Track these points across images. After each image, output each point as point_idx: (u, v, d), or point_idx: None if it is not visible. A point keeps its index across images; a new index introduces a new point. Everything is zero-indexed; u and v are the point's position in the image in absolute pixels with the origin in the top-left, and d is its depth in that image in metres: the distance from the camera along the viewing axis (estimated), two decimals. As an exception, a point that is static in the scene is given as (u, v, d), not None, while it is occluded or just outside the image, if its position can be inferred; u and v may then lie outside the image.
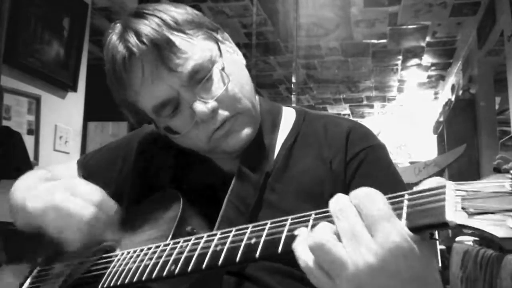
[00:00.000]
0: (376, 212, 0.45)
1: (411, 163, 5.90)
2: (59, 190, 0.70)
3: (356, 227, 0.45)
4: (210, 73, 0.74)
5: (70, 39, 2.80)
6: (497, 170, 2.73)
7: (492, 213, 0.42)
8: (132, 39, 0.71)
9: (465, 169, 4.48)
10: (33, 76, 2.54)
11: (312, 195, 0.76)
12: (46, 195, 0.71)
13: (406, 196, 0.47)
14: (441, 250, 4.14)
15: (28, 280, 0.82)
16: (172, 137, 0.79)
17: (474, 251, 2.55)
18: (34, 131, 2.56)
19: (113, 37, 0.75)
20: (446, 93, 6.28)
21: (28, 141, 2.46)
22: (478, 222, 0.42)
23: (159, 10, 0.74)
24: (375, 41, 4.89)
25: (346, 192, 0.75)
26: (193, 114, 0.74)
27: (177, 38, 0.72)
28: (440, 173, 4.72)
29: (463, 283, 2.65)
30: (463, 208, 0.44)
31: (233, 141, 0.77)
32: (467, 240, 3.08)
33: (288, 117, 0.88)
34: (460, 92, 5.14)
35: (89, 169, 0.95)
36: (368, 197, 0.46)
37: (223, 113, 0.75)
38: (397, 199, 0.47)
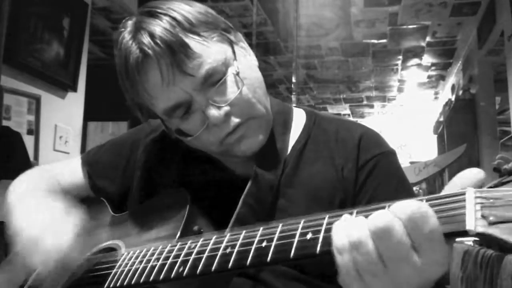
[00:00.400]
0: (429, 231, 0.44)
1: (411, 163, 5.89)
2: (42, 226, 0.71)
3: (403, 247, 0.44)
4: (225, 77, 0.72)
5: (70, 39, 2.80)
6: (497, 170, 2.73)
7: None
8: (146, 39, 0.70)
9: (465, 169, 4.47)
10: (33, 76, 2.54)
11: (322, 201, 0.75)
12: (29, 222, 0.73)
13: (424, 202, 0.46)
14: (441, 250, 4.12)
15: (32, 277, 0.82)
16: (183, 139, 0.78)
17: (474, 251, 2.54)
18: (34, 131, 2.56)
19: (126, 36, 0.74)
20: (446, 93, 6.27)
21: (28, 141, 2.46)
22: (498, 231, 0.41)
23: (173, 10, 0.72)
24: (375, 41, 4.89)
25: (356, 198, 0.76)
26: (204, 118, 0.72)
27: (191, 41, 0.70)
28: (440, 173, 4.72)
29: (463, 283, 2.64)
30: (483, 216, 0.43)
31: (245, 146, 0.76)
32: (467, 240, 3.08)
33: (298, 118, 0.87)
34: (460, 92, 5.14)
35: (94, 164, 0.94)
36: (420, 214, 0.44)
37: (235, 118, 0.73)
38: None
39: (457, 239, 3.26)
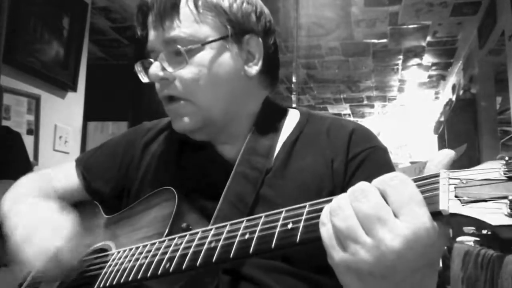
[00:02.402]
0: (409, 194, 0.44)
1: (412, 163, 5.89)
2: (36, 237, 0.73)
3: (380, 210, 0.44)
4: (182, 50, 0.77)
5: (70, 39, 2.80)
6: (498, 170, 2.73)
7: (485, 200, 0.42)
8: None
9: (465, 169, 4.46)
10: (32, 76, 2.54)
11: (311, 192, 0.76)
12: (23, 236, 0.75)
13: None
14: (441, 250, 4.13)
15: (28, 280, 0.82)
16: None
17: (475, 251, 2.54)
18: (34, 131, 2.56)
19: None
20: (446, 93, 6.27)
21: (28, 141, 2.46)
22: (472, 210, 0.42)
23: None
24: (375, 40, 4.88)
25: (344, 190, 0.76)
26: None
27: (185, 7, 0.78)
28: (440, 173, 4.71)
29: (464, 283, 2.64)
30: (456, 197, 0.43)
31: (175, 123, 0.82)
32: (468, 240, 3.08)
33: (292, 118, 0.89)
34: (461, 92, 5.13)
35: (88, 166, 0.95)
36: (398, 179, 0.45)
37: (171, 90, 0.79)
38: None
39: (458, 239, 3.26)
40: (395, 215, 0.44)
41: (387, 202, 0.45)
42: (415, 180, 0.46)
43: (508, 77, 3.58)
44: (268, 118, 0.86)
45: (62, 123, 2.77)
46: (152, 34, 0.81)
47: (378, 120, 7.98)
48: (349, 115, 7.78)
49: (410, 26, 4.51)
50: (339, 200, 0.47)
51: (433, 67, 5.71)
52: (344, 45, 5.01)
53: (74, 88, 2.85)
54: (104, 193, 0.92)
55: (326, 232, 0.47)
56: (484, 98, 4.48)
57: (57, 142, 2.74)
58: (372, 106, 7.44)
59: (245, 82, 0.83)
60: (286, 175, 0.79)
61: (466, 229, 3.28)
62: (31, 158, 2.45)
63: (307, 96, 6.89)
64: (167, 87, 0.80)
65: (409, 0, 3.98)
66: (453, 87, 5.72)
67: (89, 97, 3.03)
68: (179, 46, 0.77)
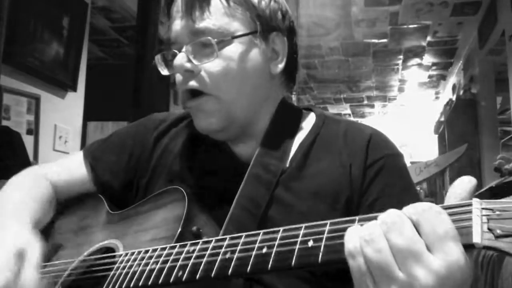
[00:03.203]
0: (444, 230, 0.42)
1: (412, 163, 5.88)
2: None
3: (414, 244, 0.42)
4: (212, 41, 0.75)
5: (70, 39, 2.80)
6: (498, 170, 2.72)
7: None
8: None
9: (466, 169, 4.47)
10: (32, 76, 2.54)
11: (328, 197, 0.75)
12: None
13: None
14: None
15: None
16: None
17: (475, 251, 2.54)
18: (34, 131, 2.56)
19: None
20: (447, 93, 6.27)
21: (28, 141, 2.46)
22: (505, 245, 0.41)
23: None
24: (376, 40, 4.88)
25: (362, 197, 0.75)
26: None
27: (216, 0, 0.77)
28: (441, 173, 4.72)
29: (464, 283, 2.64)
30: (489, 229, 0.42)
31: (197, 120, 0.80)
32: (468, 240, 3.07)
33: (307, 119, 0.87)
34: (461, 92, 5.13)
35: (97, 157, 0.92)
36: (434, 212, 0.43)
37: (196, 82, 0.77)
38: None
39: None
40: (428, 249, 0.43)
41: (420, 235, 0.43)
42: (446, 208, 0.44)
43: (508, 77, 3.57)
44: (284, 119, 0.85)
45: (62, 123, 2.77)
46: (177, 24, 0.79)
47: (378, 120, 7.97)
48: (349, 115, 7.78)
49: (411, 26, 4.50)
50: (370, 229, 0.45)
51: (434, 67, 5.71)
52: (344, 45, 5.00)
53: (74, 88, 2.85)
54: (112, 185, 0.90)
55: (357, 266, 0.45)
56: (484, 98, 4.48)
57: (57, 142, 2.73)
58: (372, 106, 7.44)
59: (268, 80, 0.82)
60: (302, 178, 0.77)
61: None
62: (31, 158, 2.45)
63: (307, 96, 6.89)
64: (192, 79, 0.77)
65: (410, 0, 3.97)
66: (453, 87, 5.72)
67: (89, 97, 3.03)
68: (209, 38, 0.75)
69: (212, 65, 0.76)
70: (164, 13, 0.85)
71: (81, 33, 2.89)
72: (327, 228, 0.49)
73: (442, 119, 6.05)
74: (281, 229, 0.52)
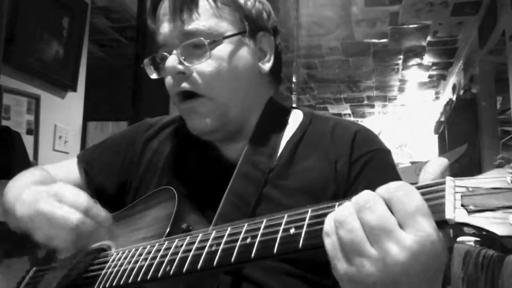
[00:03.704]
0: (414, 206, 0.43)
1: (412, 163, 5.88)
2: (45, 196, 0.70)
3: (386, 221, 0.43)
4: (205, 42, 0.76)
5: (70, 39, 2.79)
6: (499, 170, 2.72)
7: (492, 210, 0.41)
8: None
9: (466, 169, 4.47)
10: (32, 76, 2.54)
11: (315, 193, 0.76)
12: (32, 201, 0.70)
13: None
14: (442, 250, 4.13)
15: (25, 281, 0.82)
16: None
17: (476, 251, 2.54)
18: (34, 131, 2.56)
19: None
20: (447, 93, 6.27)
21: (28, 141, 2.45)
22: (478, 220, 0.41)
23: None
24: (376, 40, 4.88)
25: (348, 192, 0.75)
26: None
27: (204, 1, 0.77)
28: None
29: (464, 283, 2.64)
30: (463, 206, 0.42)
31: (190, 121, 0.80)
32: (468, 240, 3.07)
33: (295, 118, 0.89)
34: (461, 91, 5.13)
35: (90, 162, 0.94)
36: (403, 189, 0.44)
37: (188, 84, 0.77)
38: None
39: (458, 239, 3.25)
40: (401, 226, 0.43)
41: (392, 213, 0.44)
42: (420, 188, 0.45)
43: (508, 77, 3.57)
44: (272, 118, 0.86)
45: (61, 123, 2.77)
46: (166, 27, 0.79)
47: (378, 120, 7.97)
48: (349, 115, 7.78)
49: (411, 26, 4.50)
50: (343, 210, 0.46)
51: (434, 67, 5.71)
52: (344, 45, 5.00)
53: (74, 88, 2.84)
54: (106, 189, 0.91)
55: (331, 244, 0.46)
56: (484, 98, 4.48)
57: (56, 142, 2.73)
58: (372, 106, 7.44)
59: (258, 79, 0.84)
60: (289, 175, 0.78)
61: (467, 229, 3.27)
62: (30, 158, 2.45)
63: (307, 96, 6.89)
64: (184, 81, 0.77)
65: (410, 0, 3.97)
66: (454, 87, 5.72)
67: (89, 97, 3.03)
68: (202, 38, 0.75)
69: (204, 66, 0.77)
70: (149, 16, 0.84)
71: (81, 33, 2.88)
72: (308, 214, 0.50)
73: (442, 119, 6.05)
74: (265, 218, 0.53)
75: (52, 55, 2.67)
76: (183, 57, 0.76)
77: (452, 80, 5.88)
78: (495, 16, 3.82)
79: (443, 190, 0.44)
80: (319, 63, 5.59)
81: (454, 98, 5.44)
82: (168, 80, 0.80)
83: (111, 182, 0.91)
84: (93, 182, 0.92)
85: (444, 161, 0.47)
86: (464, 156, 4.34)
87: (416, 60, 5.45)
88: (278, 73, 0.89)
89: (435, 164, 0.47)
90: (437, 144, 6.43)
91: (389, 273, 0.43)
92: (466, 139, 4.43)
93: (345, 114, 7.71)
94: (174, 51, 0.77)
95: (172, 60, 0.76)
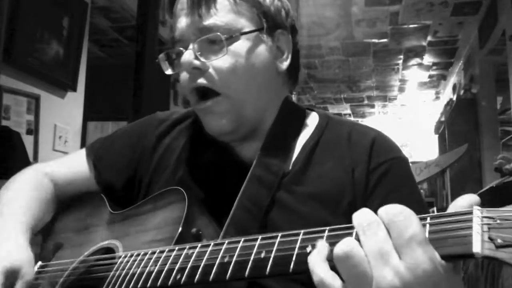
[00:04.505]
0: (410, 234, 0.42)
1: (412, 163, 5.88)
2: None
3: (384, 246, 0.43)
4: (222, 38, 0.74)
5: (70, 39, 2.79)
6: (499, 170, 2.72)
7: None
8: None
9: (466, 169, 4.47)
10: (32, 76, 2.53)
11: (330, 201, 0.74)
12: None
13: (429, 220, 0.44)
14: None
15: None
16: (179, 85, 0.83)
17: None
18: (34, 131, 2.55)
19: None
20: (447, 93, 6.26)
21: (27, 141, 2.45)
22: (506, 255, 0.40)
23: None
24: (376, 40, 4.88)
25: (366, 202, 0.74)
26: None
27: None
28: (441, 173, 4.71)
29: (465, 283, 2.64)
30: (490, 239, 0.41)
31: (207, 122, 0.79)
32: (469, 240, 3.07)
33: (311, 120, 0.86)
34: (462, 91, 5.13)
35: (100, 156, 0.92)
36: (403, 216, 0.44)
37: (205, 80, 0.76)
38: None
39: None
40: (397, 252, 0.43)
41: (390, 237, 0.44)
42: (446, 216, 0.44)
43: (508, 77, 3.57)
44: (287, 119, 0.84)
45: (61, 123, 2.77)
46: (183, 22, 0.77)
47: (378, 120, 7.97)
48: (349, 115, 7.77)
49: (411, 26, 4.50)
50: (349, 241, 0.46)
51: (434, 67, 5.71)
52: (344, 44, 5.00)
53: (73, 88, 2.84)
54: (115, 184, 0.89)
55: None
56: (484, 98, 4.48)
57: (56, 142, 2.73)
58: (372, 106, 7.44)
59: (274, 78, 0.82)
60: (304, 181, 0.76)
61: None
62: (30, 158, 2.44)
63: (307, 96, 6.89)
64: (200, 77, 0.76)
65: (410, 0, 3.97)
66: (454, 87, 5.72)
67: (89, 97, 3.02)
68: (219, 34, 0.74)
69: (220, 62, 0.75)
70: (167, 11, 0.83)
71: (81, 33, 2.88)
72: (325, 234, 0.49)
73: (443, 119, 6.05)
74: (280, 234, 0.52)
75: (52, 55, 2.67)
76: (199, 53, 0.75)
77: (452, 80, 5.88)
78: (495, 16, 3.82)
79: (471, 220, 0.42)
80: (319, 63, 5.59)
81: (454, 98, 5.44)
82: (184, 75, 0.78)
83: (120, 178, 0.89)
84: (102, 177, 0.90)
85: (475, 199, 0.45)
86: (464, 156, 4.33)
87: (416, 60, 5.45)
88: (296, 73, 0.87)
89: (465, 201, 0.45)
90: (437, 144, 6.43)
91: None
92: (466, 139, 4.42)
93: (345, 114, 7.71)
94: (190, 46, 0.75)
95: (188, 55, 0.75)
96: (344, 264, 0.44)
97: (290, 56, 0.82)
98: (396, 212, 0.44)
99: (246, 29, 0.77)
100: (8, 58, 2.29)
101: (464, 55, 5.12)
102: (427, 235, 0.43)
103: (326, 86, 6.47)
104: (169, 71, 0.81)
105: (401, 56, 5.33)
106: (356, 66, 5.67)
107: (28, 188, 0.87)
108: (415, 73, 5.93)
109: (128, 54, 4.67)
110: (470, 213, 0.42)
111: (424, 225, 0.44)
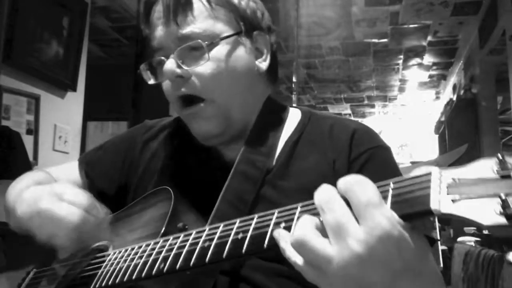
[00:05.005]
0: (365, 198, 0.44)
1: (412, 163, 5.88)
2: (46, 195, 0.70)
3: (342, 218, 0.44)
4: (203, 44, 0.75)
5: (70, 39, 2.79)
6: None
7: (478, 199, 0.41)
8: None
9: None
10: (32, 76, 2.54)
11: (314, 193, 0.75)
12: (33, 200, 0.71)
13: (391, 185, 0.46)
14: (442, 250, 4.13)
15: (25, 282, 0.82)
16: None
17: (476, 251, 2.54)
18: (34, 131, 2.56)
19: None
20: (447, 93, 6.27)
21: (27, 141, 2.45)
22: (463, 210, 0.41)
23: None
24: (376, 40, 4.88)
25: None
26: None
27: (198, 2, 0.77)
28: (441, 173, 4.70)
29: (465, 283, 2.64)
30: (448, 196, 0.42)
31: (194, 126, 0.80)
32: (469, 240, 3.08)
33: (293, 116, 0.88)
34: (462, 91, 5.13)
35: (91, 165, 0.94)
36: (358, 183, 0.45)
37: (189, 88, 0.76)
38: (381, 188, 0.46)
39: (459, 240, 3.25)
40: (357, 220, 0.44)
41: (350, 207, 0.45)
42: (407, 179, 0.45)
43: (509, 77, 3.57)
44: (270, 117, 0.85)
45: (61, 123, 2.77)
46: (161, 31, 0.78)
47: (378, 120, 7.97)
48: (349, 115, 7.77)
49: (411, 26, 4.50)
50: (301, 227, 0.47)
51: (434, 67, 5.71)
52: (344, 44, 5.00)
53: (73, 88, 2.84)
54: (107, 191, 0.91)
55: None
56: (485, 98, 4.47)
57: (56, 142, 2.73)
58: (372, 106, 7.44)
59: (256, 78, 0.83)
60: (288, 176, 0.78)
61: (467, 229, 3.27)
62: (30, 158, 2.45)
63: (307, 96, 6.89)
64: (183, 85, 0.76)
65: (410, 0, 3.97)
66: (454, 87, 5.72)
67: (89, 97, 3.03)
68: (200, 41, 0.75)
69: (202, 69, 0.76)
70: (142, 21, 0.83)
71: (81, 33, 2.88)
72: (298, 210, 0.51)
73: (443, 119, 6.05)
74: (256, 215, 0.54)
75: (52, 55, 2.67)
76: (181, 61, 0.76)
77: (453, 80, 5.88)
78: (495, 16, 3.82)
79: (429, 180, 0.43)
80: (319, 63, 5.59)
81: (454, 98, 5.43)
82: (166, 84, 0.79)
83: (112, 184, 0.91)
84: (94, 185, 0.92)
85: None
86: (464, 156, 4.33)
87: (417, 60, 5.45)
88: (275, 71, 0.89)
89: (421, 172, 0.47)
90: (437, 144, 6.43)
91: (350, 267, 0.43)
92: (467, 139, 4.42)
93: (345, 114, 7.71)
94: (172, 55, 0.76)
95: (170, 64, 0.75)
96: (302, 250, 0.46)
97: (269, 56, 0.84)
98: (353, 181, 0.46)
99: (225, 34, 0.78)
100: (8, 58, 2.29)
101: (464, 55, 5.12)
102: (390, 199, 0.44)
103: (326, 86, 6.47)
104: (151, 81, 0.82)
105: (401, 56, 5.33)
106: (356, 66, 5.67)
107: (34, 179, 0.88)
108: (415, 73, 5.93)
109: (128, 54, 4.68)
110: (429, 174, 0.44)
111: (387, 190, 0.45)
